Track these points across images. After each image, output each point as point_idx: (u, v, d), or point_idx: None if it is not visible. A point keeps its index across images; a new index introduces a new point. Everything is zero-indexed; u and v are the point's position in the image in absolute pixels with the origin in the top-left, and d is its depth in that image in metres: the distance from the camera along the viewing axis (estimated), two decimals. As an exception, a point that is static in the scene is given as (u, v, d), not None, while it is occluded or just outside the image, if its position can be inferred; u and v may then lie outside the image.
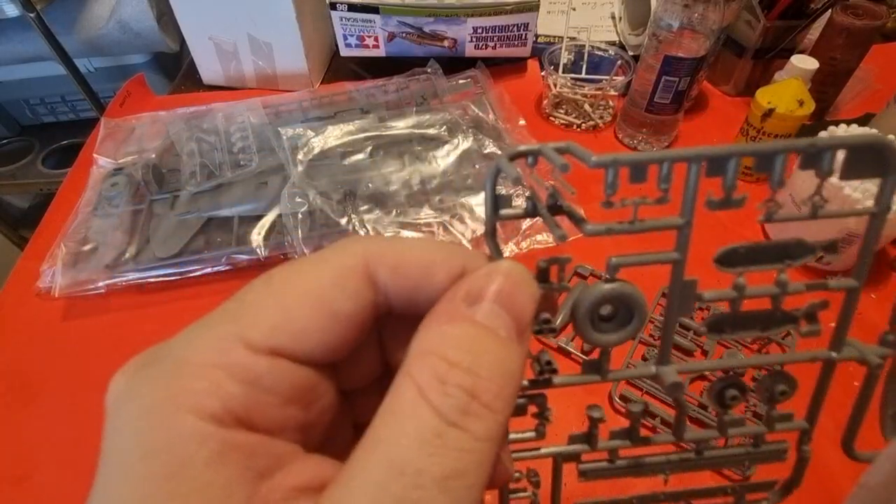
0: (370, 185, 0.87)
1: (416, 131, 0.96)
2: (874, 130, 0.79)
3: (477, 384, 0.22)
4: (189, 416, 0.20)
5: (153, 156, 0.94)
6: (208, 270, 0.80)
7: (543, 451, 0.33)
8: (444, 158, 0.92)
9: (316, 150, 0.91)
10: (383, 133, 0.95)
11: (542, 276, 0.27)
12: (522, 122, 1.01)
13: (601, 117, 1.09)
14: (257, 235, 0.82)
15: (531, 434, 0.32)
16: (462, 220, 0.84)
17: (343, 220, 0.82)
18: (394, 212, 0.84)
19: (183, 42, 1.20)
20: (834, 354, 0.30)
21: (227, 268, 0.80)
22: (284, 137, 0.93)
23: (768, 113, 0.89)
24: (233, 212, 0.85)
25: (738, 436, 0.33)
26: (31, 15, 1.24)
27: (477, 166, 0.91)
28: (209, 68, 1.17)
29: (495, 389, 0.22)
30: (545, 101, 1.10)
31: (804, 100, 0.88)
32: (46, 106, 1.67)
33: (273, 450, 0.22)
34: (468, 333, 0.23)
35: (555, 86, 1.05)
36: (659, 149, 1.04)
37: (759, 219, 0.26)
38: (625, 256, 0.26)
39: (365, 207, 0.84)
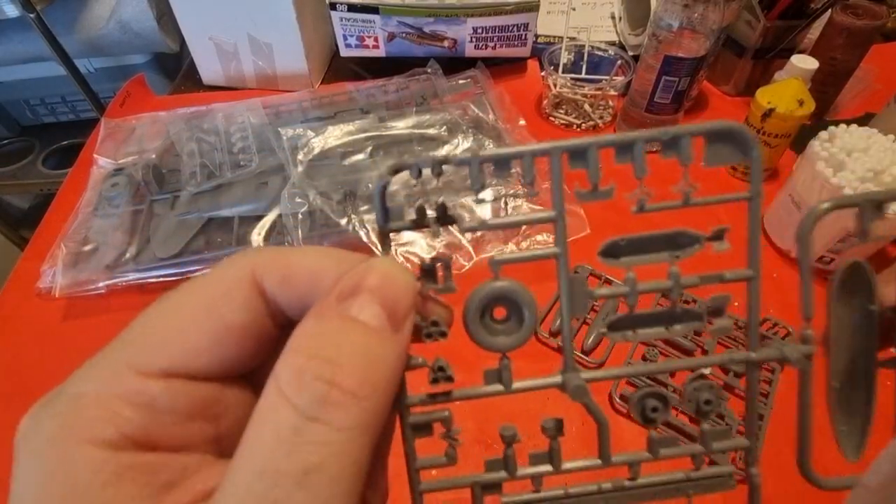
0: (370, 185, 0.87)
1: (416, 131, 0.96)
2: (874, 130, 0.79)
3: (337, 372, 0.22)
4: (86, 445, 0.21)
5: (153, 156, 0.94)
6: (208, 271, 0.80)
7: (457, 480, 0.30)
8: (444, 158, 0.91)
9: (316, 151, 0.92)
10: (383, 133, 0.95)
11: (427, 276, 0.27)
12: (522, 122, 1.01)
13: (601, 117, 1.09)
14: (257, 236, 0.82)
15: (441, 459, 0.29)
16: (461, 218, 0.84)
17: (343, 221, 0.82)
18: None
19: (183, 42, 1.20)
20: (752, 355, 0.28)
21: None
22: (284, 138, 0.93)
23: (768, 113, 0.89)
24: (233, 212, 0.85)
25: (673, 457, 0.29)
26: (31, 15, 1.24)
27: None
28: (209, 68, 1.17)
29: (358, 374, 0.22)
30: (545, 102, 1.10)
31: (804, 99, 0.88)
32: (47, 106, 1.67)
33: (177, 464, 0.23)
34: (333, 327, 0.23)
35: (555, 86, 1.05)
36: (658, 150, 1.04)
37: (631, 209, 0.26)
38: (506, 254, 0.27)
39: (365, 208, 0.84)
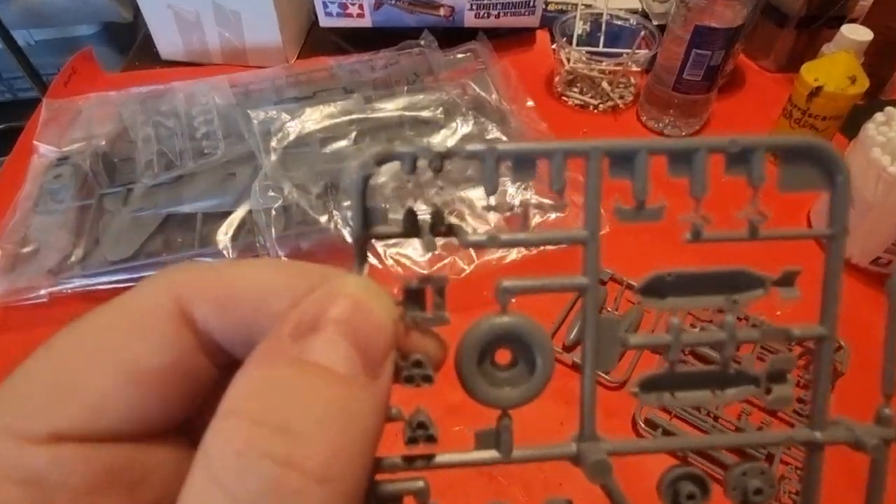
0: (354, 176, 0.87)
1: (408, 114, 0.96)
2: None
3: (294, 445, 0.18)
4: None
5: (103, 143, 0.94)
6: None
7: None
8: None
9: (292, 136, 0.91)
10: (370, 116, 0.95)
11: (412, 300, 0.24)
12: (531, 102, 1.01)
13: (621, 97, 1.09)
14: (224, 235, 0.82)
15: None
16: (462, 217, 0.85)
17: (323, 218, 0.82)
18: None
19: (137, 10, 1.20)
20: (818, 435, 0.26)
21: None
22: (255, 121, 0.93)
23: (815, 91, 0.89)
24: (195, 207, 0.85)
25: None
26: (-39, -20, 1.24)
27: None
28: (168, 41, 1.17)
29: (325, 448, 0.19)
30: (557, 79, 1.11)
31: (856, 76, 0.88)
32: (-21, 85, 1.67)
33: None
34: (286, 377, 0.20)
35: (568, 61, 1.06)
36: (688, 133, 1.04)
37: (684, 237, 0.24)
38: (520, 280, 0.24)
39: (349, 202, 0.84)
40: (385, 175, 0.87)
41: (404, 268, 0.80)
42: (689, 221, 0.24)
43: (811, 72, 0.91)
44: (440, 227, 0.24)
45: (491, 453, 0.25)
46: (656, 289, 0.25)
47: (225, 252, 0.80)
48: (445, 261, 0.81)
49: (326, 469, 0.19)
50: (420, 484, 0.25)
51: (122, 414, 0.22)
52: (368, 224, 0.24)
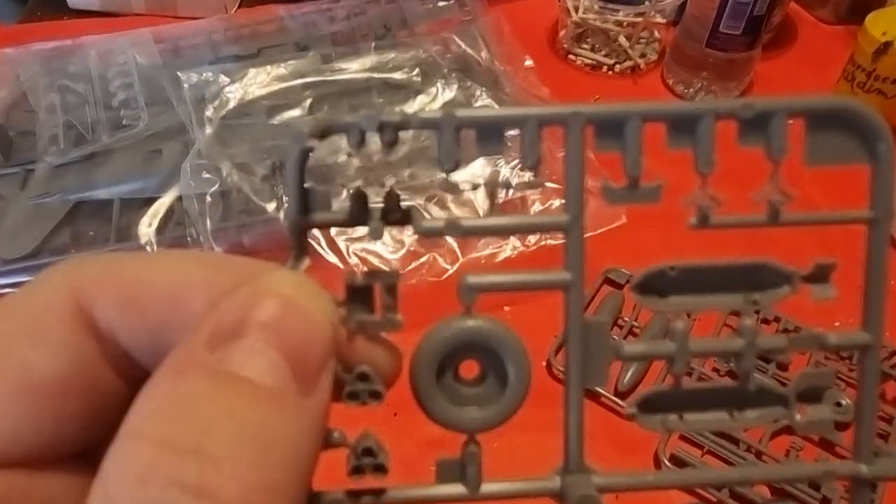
0: (310, 153, 0.87)
1: (377, 76, 0.96)
2: None
3: (207, 476, 0.18)
4: None
5: (-4, 112, 0.94)
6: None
7: None
8: (416, 115, 0.92)
9: (232, 104, 0.92)
10: (328, 79, 0.96)
11: (357, 299, 0.24)
12: (529, 62, 1.01)
13: (643, 55, 1.10)
14: (147, 227, 0.82)
15: None
16: (443, 204, 0.85)
17: (270, 206, 0.82)
18: (344, 193, 0.84)
19: (39, -53, 1.20)
20: (863, 469, 0.26)
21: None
22: (186, 85, 0.93)
23: (883, 48, 0.90)
24: (112, 193, 0.85)
25: None
26: None
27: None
28: (77, -15, 1.17)
29: (245, 478, 0.19)
30: (562, 33, 1.11)
31: (932, 29, 0.89)
32: None
33: None
34: (200, 390, 0.20)
35: (576, 10, 1.06)
36: (726, 99, 1.05)
37: (689, 223, 0.25)
38: (489, 276, 0.25)
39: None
40: (344, 153, 0.87)
41: (371, 267, 0.80)
42: (693, 203, 0.24)
43: (878, 24, 0.91)
44: (394, 213, 0.24)
45: (455, 488, 0.25)
46: (656, 285, 0.25)
47: (148, 248, 0.80)
48: (423, 259, 0.81)
49: (245, 499, 0.18)
50: None
51: (12, 434, 0.22)
52: (307, 210, 0.24)
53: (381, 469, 0.24)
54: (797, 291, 0.25)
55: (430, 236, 0.24)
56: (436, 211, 0.84)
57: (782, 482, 0.24)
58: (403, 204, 0.25)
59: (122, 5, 1.17)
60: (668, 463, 0.68)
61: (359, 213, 0.24)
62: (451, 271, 0.80)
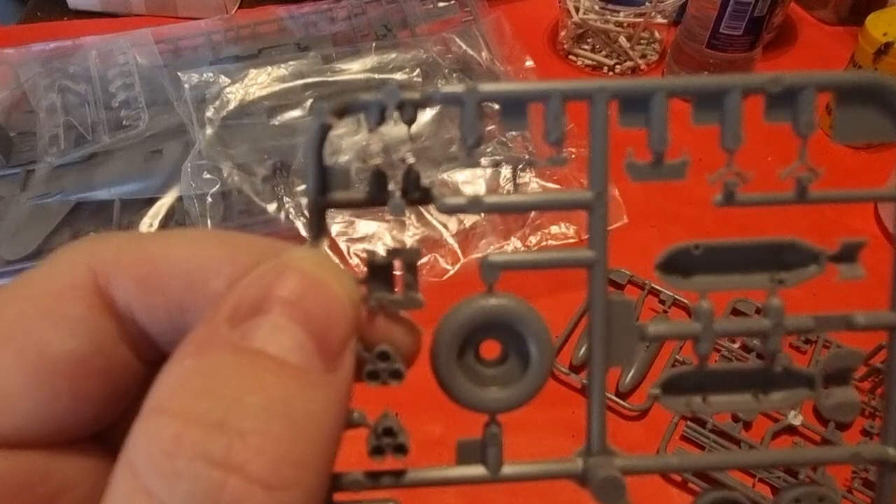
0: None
1: (377, 76, 0.96)
2: None
3: (236, 446, 0.18)
4: None
5: (-4, 113, 0.94)
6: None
7: None
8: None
9: (232, 105, 0.92)
10: (329, 79, 0.96)
11: (377, 278, 0.24)
12: (530, 62, 1.01)
13: (643, 56, 1.10)
14: (148, 228, 0.82)
15: None
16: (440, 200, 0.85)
17: (271, 206, 0.82)
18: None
19: (39, -52, 1.20)
20: (891, 451, 0.25)
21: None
22: (186, 86, 0.93)
23: (884, 49, 0.90)
24: (113, 193, 0.85)
25: None
26: None
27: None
28: (77, -14, 1.17)
29: (273, 453, 0.19)
30: (563, 33, 1.11)
31: (932, 30, 0.90)
32: None
33: None
34: (225, 366, 0.20)
35: (577, 10, 1.06)
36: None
37: (714, 200, 0.25)
38: (510, 255, 0.25)
39: (304, 187, 0.84)
40: (348, 153, 0.87)
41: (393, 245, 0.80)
42: (719, 180, 0.24)
43: (879, 24, 0.92)
44: (413, 192, 0.24)
45: (476, 469, 0.25)
46: (680, 264, 0.25)
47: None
48: (424, 259, 0.81)
49: (274, 474, 0.18)
50: None
51: (30, 414, 0.22)
52: (325, 189, 0.24)
53: (401, 449, 0.24)
54: (824, 271, 0.25)
55: (453, 213, 0.24)
56: (435, 210, 0.84)
57: (807, 465, 0.24)
58: (423, 182, 0.25)
59: (122, 6, 1.17)
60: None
61: (378, 191, 0.24)
62: (451, 272, 0.80)
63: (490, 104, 0.24)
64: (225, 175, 0.84)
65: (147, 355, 0.24)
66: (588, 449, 0.26)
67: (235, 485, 0.18)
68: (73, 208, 0.84)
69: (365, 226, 0.82)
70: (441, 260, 0.81)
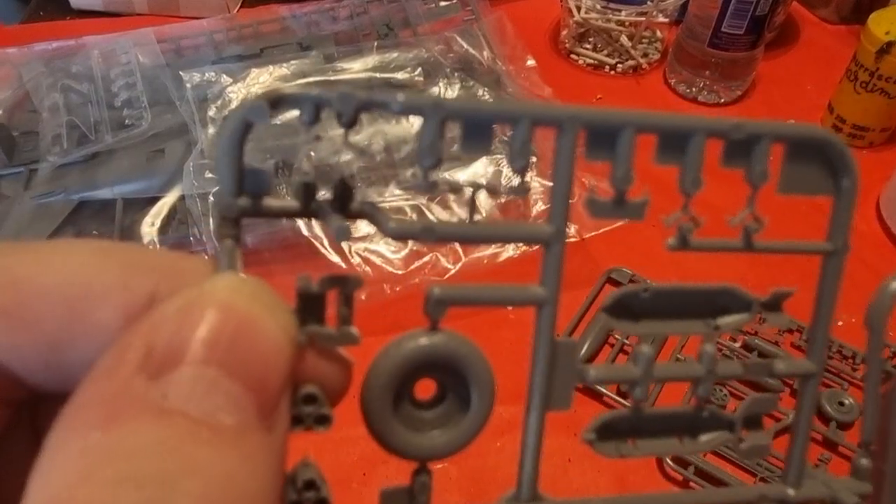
0: (312, 153, 0.87)
1: (379, 76, 0.96)
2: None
3: None
4: None
5: (0, 112, 0.94)
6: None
7: None
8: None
9: (234, 104, 0.92)
10: (331, 79, 0.96)
11: (309, 308, 0.22)
12: (531, 62, 1.02)
13: (645, 55, 1.10)
14: (150, 227, 0.82)
15: None
16: (445, 204, 0.85)
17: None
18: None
19: (41, -53, 1.20)
20: (790, 492, 0.27)
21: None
22: (188, 85, 0.93)
23: (886, 48, 0.90)
24: (115, 192, 0.85)
25: None
26: None
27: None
28: (80, -15, 1.17)
29: None
30: (564, 33, 1.12)
31: (935, 29, 0.89)
32: None
33: None
34: (148, 440, 0.16)
35: (578, 10, 1.06)
36: (728, 100, 1.05)
37: (668, 244, 0.24)
38: (456, 288, 0.23)
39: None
40: (350, 152, 0.87)
41: (374, 267, 0.80)
42: (674, 224, 0.24)
43: (881, 23, 0.91)
44: (349, 206, 0.22)
45: None
46: (629, 308, 0.25)
47: (151, 248, 0.80)
48: (425, 258, 0.81)
49: None
50: None
51: None
52: (241, 190, 0.21)
53: (324, 503, 0.22)
54: (754, 318, 0.26)
55: (400, 239, 0.22)
56: (438, 210, 0.84)
57: None
58: (363, 198, 0.22)
59: (124, 5, 1.18)
60: (670, 462, 0.68)
61: (304, 203, 0.22)
62: (453, 271, 0.80)
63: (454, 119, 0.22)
64: (227, 174, 0.84)
65: (11, 395, 0.21)
66: (517, 495, 0.24)
67: None
68: (75, 207, 0.85)
69: (366, 227, 0.82)
70: (442, 259, 0.81)
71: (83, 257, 0.20)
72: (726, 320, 0.25)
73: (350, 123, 0.21)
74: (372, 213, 0.22)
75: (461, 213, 0.84)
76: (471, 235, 0.23)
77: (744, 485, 0.65)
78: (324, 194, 0.22)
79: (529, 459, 0.24)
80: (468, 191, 0.24)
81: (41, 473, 0.16)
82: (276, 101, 0.20)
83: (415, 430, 0.23)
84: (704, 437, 0.26)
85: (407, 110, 0.21)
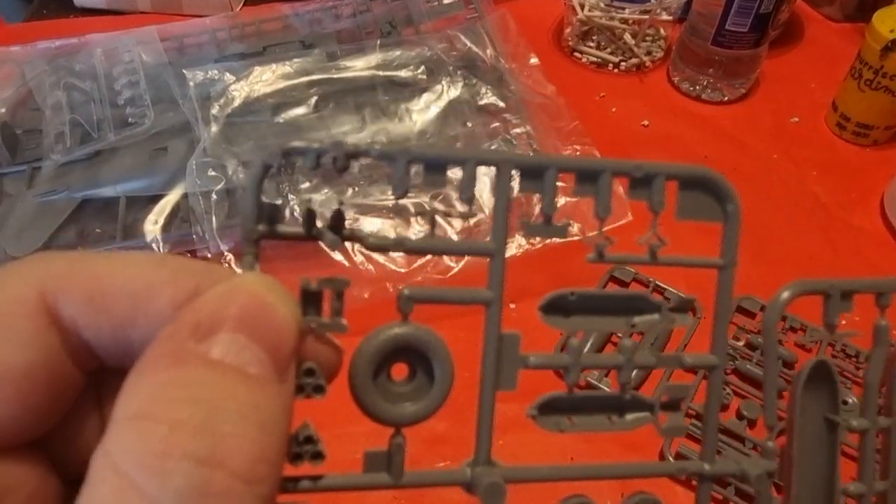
0: (315, 145, 0.87)
1: (382, 74, 0.96)
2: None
3: (219, 448, 0.21)
4: None
5: (2, 110, 0.94)
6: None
7: None
8: (421, 113, 0.93)
9: (237, 102, 0.92)
10: (334, 77, 0.96)
11: (310, 302, 0.27)
12: (534, 60, 1.02)
13: (648, 53, 1.10)
14: (153, 225, 0.82)
15: None
16: (449, 203, 0.85)
17: (276, 203, 0.82)
18: (349, 191, 0.84)
19: (44, -55, 1.20)
20: (706, 467, 0.31)
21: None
22: (191, 84, 0.93)
23: (891, 45, 0.90)
24: (118, 190, 0.85)
25: None
26: None
27: (469, 124, 0.92)
28: (83, -17, 1.17)
29: (251, 451, 0.21)
30: (568, 30, 1.12)
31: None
32: None
33: None
34: (199, 378, 0.22)
35: (582, 7, 1.06)
36: (731, 98, 1.05)
37: (587, 258, 0.29)
38: (423, 289, 0.28)
39: (308, 185, 0.84)
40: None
41: (377, 266, 0.80)
42: (591, 242, 0.29)
43: (886, 21, 0.91)
44: (342, 230, 0.28)
45: (381, 476, 0.29)
46: (560, 307, 0.30)
47: (154, 245, 0.81)
48: (428, 257, 0.81)
49: (252, 470, 0.21)
50: None
51: None
52: (260, 219, 0.27)
53: (318, 456, 0.27)
54: (665, 319, 0.30)
55: (377, 251, 0.27)
56: (438, 205, 0.84)
57: (640, 477, 0.29)
58: (350, 223, 0.28)
59: (127, 4, 1.18)
60: (672, 460, 0.68)
61: (310, 228, 0.27)
62: (455, 269, 0.81)
63: (419, 158, 0.28)
64: (230, 172, 0.84)
65: (88, 365, 0.26)
66: (475, 461, 0.29)
67: (221, 480, 0.20)
68: (78, 205, 0.85)
69: (370, 223, 0.83)
70: (445, 257, 0.81)
71: (143, 261, 0.26)
72: (641, 319, 0.30)
73: (343, 168, 0.27)
74: (358, 235, 0.28)
75: (458, 225, 0.84)
76: (432, 248, 0.29)
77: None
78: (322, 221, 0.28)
79: (485, 431, 0.29)
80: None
81: (125, 397, 0.22)
82: (287, 152, 0.26)
83: (391, 402, 0.28)
84: (630, 417, 0.31)
85: (382, 157, 0.27)
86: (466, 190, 0.28)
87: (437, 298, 0.28)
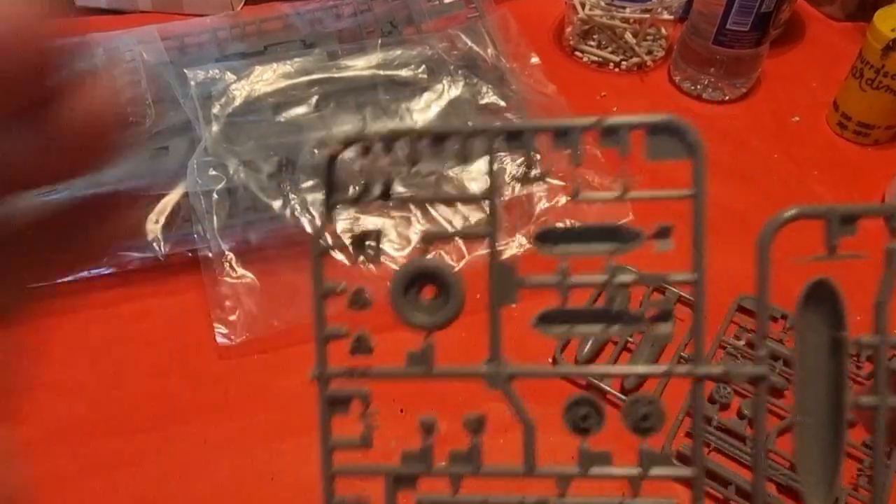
0: (316, 150, 0.87)
1: (383, 73, 0.97)
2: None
3: None
4: None
5: (2, 110, 0.94)
6: (83, 275, 0.80)
7: (368, 467, 0.36)
8: (422, 112, 0.93)
9: (238, 101, 0.92)
10: (335, 76, 0.96)
11: (358, 247, 0.34)
12: (535, 59, 1.02)
13: (649, 52, 1.10)
14: (154, 224, 0.82)
15: (356, 440, 0.35)
16: (450, 203, 0.85)
17: (277, 203, 0.82)
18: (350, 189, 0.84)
19: (45, -56, 1.20)
20: (695, 369, 0.34)
21: (109, 271, 0.81)
22: (192, 83, 0.93)
23: (892, 45, 0.90)
24: (119, 189, 0.85)
25: (606, 477, 0.37)
26: None
27: (471, 123, 0.91)
28: (83, -18, 1.17)
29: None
30: (569, 30, 1.12)
31: (941, 26, 0.89)
32: None
33: None
34: None
35: (582, 6, 1.06)
36: (732, 97, 1.05)
37: (567, 196, 0.32)
38: (436, 230, 0.31)
39: (309, 184, 0.85)
40: (353, 149, 0.87)
41: (378, 265, 0.80)
42: (571, 182, 0.32)
43: (887, 20, 0.91)
44: (367, 250, 0.34)
45: (417, 367, 0.34)
46: (549, 237, 0.33)
47: (155, 245, 0.80)
48: (430, 255, 0.81)
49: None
50: (365, 390, 0.34)
51: None
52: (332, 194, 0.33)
53: (368, 350, 0.33)
54: (644, 244, 0.32)
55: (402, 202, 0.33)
56: (441, 206, 0.84)
57: (633, 376, 0.34)
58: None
59: (128, 3, 1.18)
60: (674, 460, 0.68)
61: (364, 195, 0.33)
62: (457, 268, 0.80)
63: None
64: (231, 172, 0.84)
65: None
66: (490, 360, 0.34)
67: None
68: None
69: (370, 222, 0.83)
70: (446, 256, 0.81)
71: None
72: (623, 246, 0.33)
73: (415, 160, 0.33)
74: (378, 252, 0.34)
75: (466, 209, 0.84)
76: (434, 197, 0.37)
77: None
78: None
79: (494, 337, 0.34)
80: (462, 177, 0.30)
81: None
82: (350, 141, 0.31)
83: (421, 312, 0.33)
84: (618, 327, 0.33)
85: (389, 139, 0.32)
86: (459, 158, 0.33)
87: (447, 235, 0.33)
